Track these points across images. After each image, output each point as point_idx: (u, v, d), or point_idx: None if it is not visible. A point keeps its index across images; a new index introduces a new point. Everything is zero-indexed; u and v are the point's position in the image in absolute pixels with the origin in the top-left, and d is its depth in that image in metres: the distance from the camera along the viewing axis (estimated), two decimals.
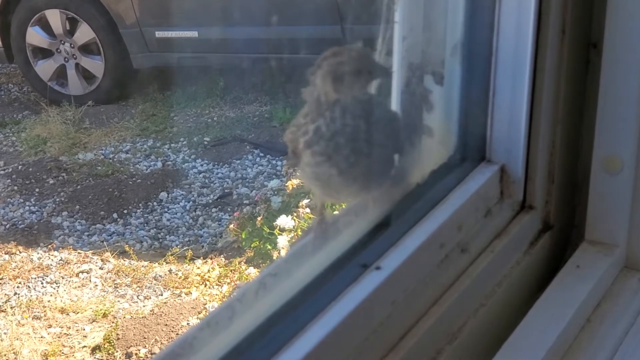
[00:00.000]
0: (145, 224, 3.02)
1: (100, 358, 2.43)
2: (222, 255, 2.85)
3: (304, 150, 0.67)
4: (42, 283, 2.74)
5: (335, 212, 0.86)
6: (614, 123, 0.81)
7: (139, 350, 2.29)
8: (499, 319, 0.76)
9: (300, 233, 2.14)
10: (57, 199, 3.18)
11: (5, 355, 2.39)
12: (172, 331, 2.38)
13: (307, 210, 2.18)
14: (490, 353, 0.71)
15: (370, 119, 0.65)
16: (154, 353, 2.32)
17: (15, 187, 3.27)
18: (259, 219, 2.66)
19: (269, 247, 2.39)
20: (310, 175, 0.69)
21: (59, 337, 2.47)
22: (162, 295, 2.69)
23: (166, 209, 3.11)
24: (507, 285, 0.77)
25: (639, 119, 0.80)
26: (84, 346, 2.47)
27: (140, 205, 3.13)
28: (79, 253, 2.89)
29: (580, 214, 0.87)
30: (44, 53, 3.81)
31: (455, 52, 0.76)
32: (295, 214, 2.30)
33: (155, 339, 2.33)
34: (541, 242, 0.83)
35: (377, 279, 0.62)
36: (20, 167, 3.40)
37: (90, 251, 2.90)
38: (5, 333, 2.49)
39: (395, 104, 0.75)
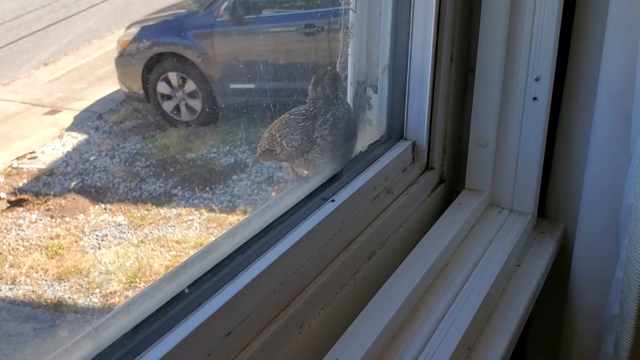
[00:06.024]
0: (224, 193, 4.79)
1: None
2: None
3: (330, 130, 0.83)
4: (165, 226, 4.39)
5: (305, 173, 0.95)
6: (482, 117, 1.01)
7: None
8: (411, 235, 0.97)
9: None
10: (175, 179, 4.95)
11: (144, 267, 3.86)
12: None
13: None
14: (405, 254, 0.92)
15: (347, 111, 0.89)
16: None
17: (151, 172, 5.05)
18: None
19: None
20: (326, 147, 0.85)
21: (175, 257, 4.04)
22: None
23: (236, 185, 4.78)
24: (416, 215, 0.99)
25: (497, 115, 1.00)
26: None
27: (221, 182, 4.88)
28: (187, 209, 4.55)
29: (462, 172, 1.07)
30: (167, 97, 6.02)
31: (385, 72, 0.98)
32: None
33: None
34: (438, 190, 1.04)
35: (332, 206, 0.81)
36: (154, 161, 5.25)
37: (193, 208, 4.56)
38: (145, 255, 3.99)
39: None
